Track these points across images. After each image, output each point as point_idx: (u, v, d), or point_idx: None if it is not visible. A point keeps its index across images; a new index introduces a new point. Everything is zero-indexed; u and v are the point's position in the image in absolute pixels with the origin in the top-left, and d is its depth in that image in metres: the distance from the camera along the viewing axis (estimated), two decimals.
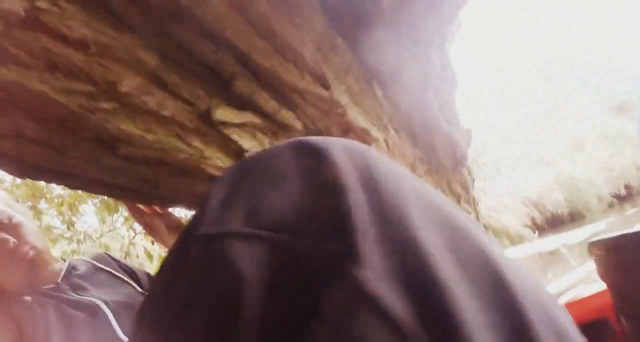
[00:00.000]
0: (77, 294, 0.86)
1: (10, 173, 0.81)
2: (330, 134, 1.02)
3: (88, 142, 0.72)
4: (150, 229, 1.05)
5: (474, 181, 2.10)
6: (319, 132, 1.00)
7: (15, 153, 0.73)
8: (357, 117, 1.03)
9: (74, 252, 2.65)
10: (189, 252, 0.31)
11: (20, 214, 0.89)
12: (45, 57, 0.57)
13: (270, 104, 0.82)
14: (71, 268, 0.95)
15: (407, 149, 1.36)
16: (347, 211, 0.28)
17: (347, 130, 1.04)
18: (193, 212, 0.37)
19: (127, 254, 2.73)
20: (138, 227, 2.69)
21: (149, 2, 0.59)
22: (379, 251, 0.26)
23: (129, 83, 0.63)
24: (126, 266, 1.07)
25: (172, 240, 1.02)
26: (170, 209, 1.08)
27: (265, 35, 0.71)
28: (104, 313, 0.82)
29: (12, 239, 0.82)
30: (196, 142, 0.77)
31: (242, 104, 0.79)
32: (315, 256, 0.27)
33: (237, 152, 0.83)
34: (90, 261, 1.02)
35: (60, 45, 0.56)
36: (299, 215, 0.29)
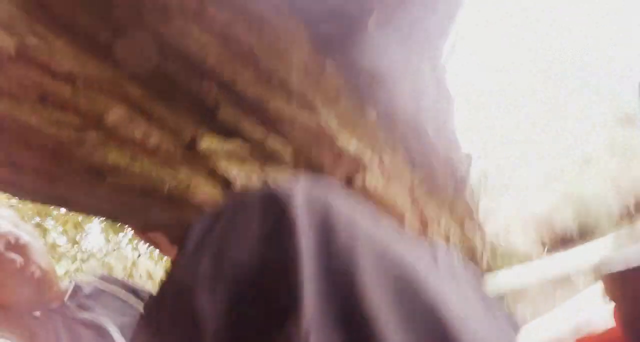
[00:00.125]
0: (84, 313, 0.88)
1: (10, 195, 0.83)
2: (321, 160, 1.03)
3: (78, 171, 0.73)
4: (153, 243, 1.06)
5: (478, 202, 2.08)
6: (309, 159, 1.01)
7: (10, 179, 0.75)
8: (348, 142, 1.04)
9: (77, 270, 2.67)
10: (165, 298, 0.36)
11: (27, 234, 0.92)
12: (36, 90, 0.59)
13: (257, 130, 0.84)
14: (77, 288, 0.97)
15: (405, 173, 1.36)
16: (293, 261, 0.29)
17: (339, 155, 1.05)
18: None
19: (130, 275, 2.74)
20: (142, 248, 2.71)
21: (133, 35, 0.61)
22: (323, 303, 0.28)
23: (115, 114, 0.65)
24: (130, 286, 1.09)
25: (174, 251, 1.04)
26: None
27: (249, 63, 0.73)
28: (110, 333, 0.83)
29: (19, 259, 0.85)
30: (183, 171, 0.78)
31: (229, 131, 0.81)
32: (265, 306, 0.30)
33: (224, 180, 0.84)
34: (96, 281, 1.04)
35: (49, 78, 0.58)
36: (255, 268, 0.32)
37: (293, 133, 0.91)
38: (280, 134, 0.90)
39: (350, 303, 0.28)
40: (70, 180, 0.76)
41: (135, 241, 2.67)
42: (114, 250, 2.88)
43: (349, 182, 1.12)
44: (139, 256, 2.78)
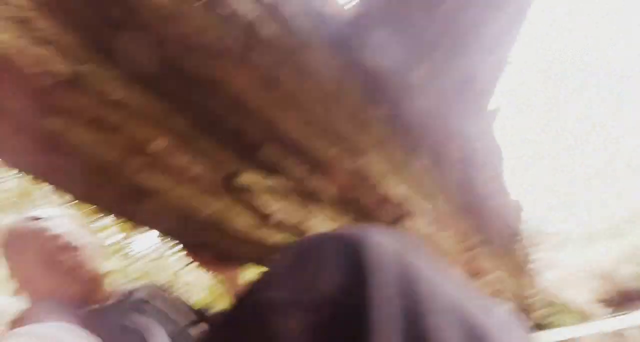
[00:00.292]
0: (128, 319, 0.89)
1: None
2: (366, 203, 0.99)
3: (122, 188, 0.75)
4: (194, 257, 1.07)
5: (531, 254, 1.94)
6: (351, 201, 0.98)
7: (63, 186, 0.79)
8: (395, 187, 1.00)
9: (122, 271, 2.77)
10: (245, 316, 0.39)
11: (83, 236, 0.96)
12: (87, 113, 0.61)
13: (298, 169, 0.82)
14: (126, 294, 1.00)
15: (457, 220, 1.29)
16: (368, 306, 0.32)
17: (385, 199, 1.01)
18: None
19: (171, 284, 2.80)
20: (187, 260, 2.76)
21: (182, 71, 0.62)
22: None
23: (160, 142, 0.66)
24: (174, 298, 1.10)
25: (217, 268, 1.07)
26: None
27: (293, 108, 0.73)
28: (153, 339, 0.84)
29: (72, 260, 0.88)
30: (221, 202, 0.78)
31: (270, 167, 0.80)
32: (342, 335, 0.33)
33: (262, 213, 0.83)
34: (141, 290, 1.06)
35: (100, 104, 0.60)
36: (333, 302, 0.35)
37: (336, 175, 0.89)
38: (323, 175, 0.88)
39: None
40: (115, 195, 0.78)
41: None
42: (160, 257, 2.96)
43: (398, 225, 1.08)
44: (182, 266, 2.84)
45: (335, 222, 0.99)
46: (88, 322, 0.82)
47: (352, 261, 0.37)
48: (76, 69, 0.54)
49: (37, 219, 0.95)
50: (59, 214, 1.00)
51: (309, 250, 0.41)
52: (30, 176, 0.73)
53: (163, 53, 0.60)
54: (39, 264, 0.88)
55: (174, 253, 2.86)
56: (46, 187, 0.79)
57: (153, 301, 1.04)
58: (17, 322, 0.65)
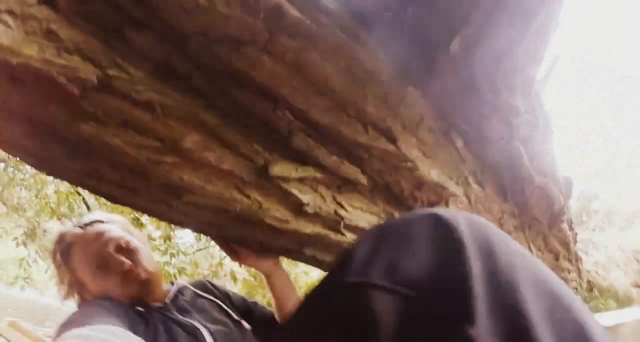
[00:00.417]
0: (182, 315, 0.93)
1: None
2: (399, 188, 0.97)
3: (157, 187, 0.76)
4: (230, 251, 1.09)
5: (576, 235, 1.87)
6: (387, 187, 0.96)
7: (99, 190, 0.81)
8: (430, 171, 0.97)
9: (166, 264, 2.86)
10: (336, 295, 0.38)
11: (137, 239, 1.00)
12: (118, 116, 0.62)
13: (331, 158, 0.81)
14: (179, 291, 1.04)
15: (494, 204, 1.25)
16: (467, 279, 0.33)
17: (419, 184, 0.99)
18: (337, 259, 0.44)
19: (215, 273, 2.87)
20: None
21: (207, 66, 0.62)
22: (490, 316, 0.31)
23: (191, 140, 0.67)
24: (224, 291, 1.14)
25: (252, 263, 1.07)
26: None
27: (324, 93, 0.71)
28: (204, 337, 0.87)
29: (127, 262, 0.93)
30: (255, 195, 0.78)
31: (302, 158, 0.79)
32: (440, 314, 0.33)
33: (296, 204, 0.83)
34: (192, 286, 1.10)
35: (129, 106, 0.60)
36: (429, 278, 0.35)
37: (369, 161, 0.87)
38: (356, 162, 0.86)
39: (513, 317, 0.31)
40: (150, 195, 0.79)
41: None
42: (203, 248, 3.04)
43: None
44: (225, 256, 2.90)
45: (370, 209, 0.98)
46: (142, 322, 0.86)
47: (442, 235, 0.38)
48: (103, 74, 0.55)
49: (91, 223, 1.00)
50: (111, 219, 1.04)
51: (395, 231, 0.41)
52: (67, 182, 0.75)
53: (187, 49, 0.60)
54: (96, 267, 0.93)
55: None
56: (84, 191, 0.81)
57: (205, 295, 1.07)
58: (68, 324, 0.68)
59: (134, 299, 0.93)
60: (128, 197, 0.82)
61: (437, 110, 0.95)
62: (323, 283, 0.42)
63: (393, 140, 0.86)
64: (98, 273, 0.93)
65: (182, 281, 1.20)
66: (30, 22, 0.46)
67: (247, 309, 1.11)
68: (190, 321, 0.91)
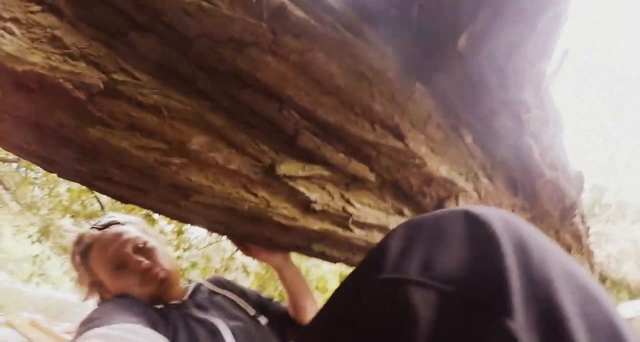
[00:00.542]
0: (200, 312, 0.94)
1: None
2: (408, 185, 0.97)
3: (165, 188, 0.77)
4: (242, 247, 1.10)
5: (588, 229, 1.85)
6: (395, 183, 0.96)
7: (109, 190, 0.82)
8: (438, 167, 0.96)
9: (178, 258, 2.89)
10: (372, 291, 0.38)
11: (154, 239, 1.02)
12: (124, 120, 0.62)
13: (338, 156, 0.81)
14: (197, 289, 1.05)
15: (504, 198, 1.24)
16: (503, 274, 0.34)
17: (428, 180, 0.98)
18: (368, 256, 0.44)
19: (226, 267, 2.89)
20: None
21: (212, 68, 0.61)
22: (526, 309, 0.32)
23: (198, 141, 0.67)
24: (239, 288, 1.15)
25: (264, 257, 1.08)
26: None
27: (329, 91, 0.70)
28: (223, 334, 0.88)
29: (145, 261, 0.95)
30: (262, 193, 0.78)
31: (309, 156, 0.79)
32: (478, 308, 0.33)
33: (303, 202, 0.83)
34: (208, 283, 1.11)
35: (136, 109, 0.61)
36: (465, 273, 0.35)
37: (377, 158, 0.86)
38: (364, 159, 0.86)
39: (548, 311, 0.32)
40: (159, 195, 0.80)
41: None
42: (215, 242, 3.06)
43: (441, 206, 1.05)
44: (237, 250, 2.91)
45: (378, 206, 0.98)
46: (161, 320, 0.87)
47: (476, 232, 0.38)
48: (109, 78, 0.55)
49: (108, 225, 1.01)
50: (128, 220, 1.06)
51: (428, 227, 0.41)
52: (78, 183, 0.76)
53: (191, 51, 0.60)
54: (115, 267, 0.95)
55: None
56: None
57: (222, 292, 1.08)
58: (88, 323, 0.70)
59: (153, 297, 0.95)
60: (138, 198, 0.83)
61: (446, 106, 0.94)
62: (355, 280, 0.42)
63: (401, 137, 0.85)
64: (117, 273, 0.95)
65: (199, 278, 1.22)
66: (34, 29, 0.47)
67: (262, 304, 1.12)
68: (209, 317, 0.92)
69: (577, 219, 1.61)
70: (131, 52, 0.57)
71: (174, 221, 2.90)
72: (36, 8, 0.47)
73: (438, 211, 0.43)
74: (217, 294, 1.08)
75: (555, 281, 0.34)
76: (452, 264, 0.36)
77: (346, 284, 0.42)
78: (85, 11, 0.52)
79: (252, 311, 1.04)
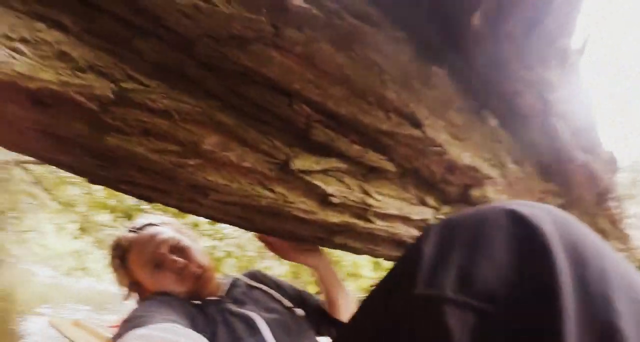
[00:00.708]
0: (238, 307, 0.97)
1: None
2: (430, 173, 0.95)
3: (184, 188, 0.79)
4: (266, 242, 1.13)
5: (625, 210, 1.77)
6: (416, 172, 0.94)
7: (134, 192, 0.84)
8: (460, 154, 0.94)
9: (213, 248, 2.97)
10: (404, 308, 0.34)
11: (188, 237, 1.06)
12: (138, 126, 0.63)
13: (353, 148, 0.80)
14: (234, 284, 1.09)
15: (534, 183, 1.19)
16: (555, 291, 0.29)
17: (451, 168, 0.96)
18: (400, 263, 0.39)
19: (261, 255, 2.95)
20: None
21: (220, 67, 0.62)
22: (582, 335, 0.28)
23: (210, 141, 0.68)
24: (273, 280, 1.19)
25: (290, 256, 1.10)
26: None
27: (339, 82, 0.69)
28: (260, 327, 0.91)
29: (181, 260, 0.99)
30: (279, 189, 0.79)
31: (324, 150, 0.78)
32: (522, 332, 0.29)
33: (321, 195, 0.82)
34: (245, 278, 1.15)
35: (147, 115, 0.62)
36: (509, 289, 0.31)
37: (394, 147, 0.85)
38: (381, 149, 0.85)
39: (608, 336, 0.28)
40: (180, 195, 0.82)
41: None
42: (246, 233, 3.11)
43: (466, 194, 1.02)
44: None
45: (401, 196, 0.96)
46: (200, 315, 0.90)
47: (523, 237, 0.33)
48: (119, 88, 0.56)
49: (144, 227, 1.05)
50: (162, 221, 1.10)
51: (466, 230, 0.36)
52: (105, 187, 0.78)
53: (195, 53, 0.60)
54: (153, 268, 0.99)
55: None
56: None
57: (258, 286, 1.11)
58: (129, 323, 0.72)
59: (190, 294, 0.98)
60: (161, 198, 0.85)
61: (467, 89, 0.91)
62: (387, 290, 0.38)
63: (418, 124, 0.83)
64: (155, 273, 0.99)
65: (235, 273, 1.25)
66: (42, 47, 0.48)
67: (297, 296, 1.15)
68: (246, 311, 0.95)
69: (612, 203, 1.54)
70: (137, 59, 0.58)
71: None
72: (42, 26, 0.48)
73: (478, 209, 0.38)
74: (254, 287, 1.10)
75: (616, 300, 0.29)
76: (493, 277, 0.32)
77: (378, 295, 0.38)
78: (89, 23, 0.53)
79: (288, 303, 1.07)
